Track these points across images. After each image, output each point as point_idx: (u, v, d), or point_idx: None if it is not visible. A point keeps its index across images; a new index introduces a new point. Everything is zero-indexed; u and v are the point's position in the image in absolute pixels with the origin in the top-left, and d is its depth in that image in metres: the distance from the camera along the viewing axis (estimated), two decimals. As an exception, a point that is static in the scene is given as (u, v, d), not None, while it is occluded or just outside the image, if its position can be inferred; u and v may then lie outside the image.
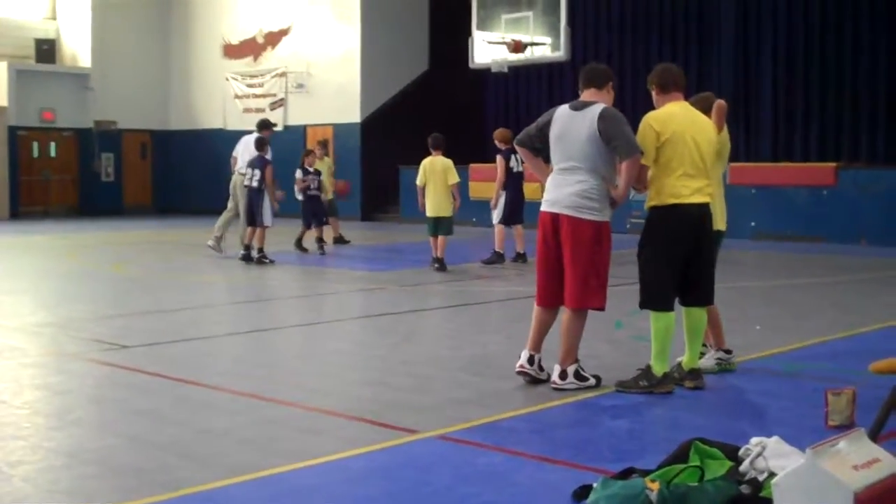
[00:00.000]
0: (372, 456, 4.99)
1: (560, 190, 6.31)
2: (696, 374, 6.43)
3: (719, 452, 4.30)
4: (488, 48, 18.61)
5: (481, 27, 18.88)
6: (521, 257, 13.84)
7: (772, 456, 4.08)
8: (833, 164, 18.08)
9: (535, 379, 6.49)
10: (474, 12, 18.99)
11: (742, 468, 4.11)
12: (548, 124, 6.44)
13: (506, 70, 18.82)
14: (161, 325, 9.23)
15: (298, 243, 16.71)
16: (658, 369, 6.30)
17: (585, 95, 6.45)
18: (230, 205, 15.44)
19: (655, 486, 3.89)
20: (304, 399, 6.21)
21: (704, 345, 6.88)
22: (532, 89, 23.35)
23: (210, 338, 8.70)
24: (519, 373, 6.49)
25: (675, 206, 6.25)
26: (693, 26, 20.83)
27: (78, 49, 27.62)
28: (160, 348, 8.05)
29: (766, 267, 14.41)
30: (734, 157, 19.39)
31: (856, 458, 3.64)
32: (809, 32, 19.23)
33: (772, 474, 3.92)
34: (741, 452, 4.22)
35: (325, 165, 17.64)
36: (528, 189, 14.21)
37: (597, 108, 6.25)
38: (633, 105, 19.18)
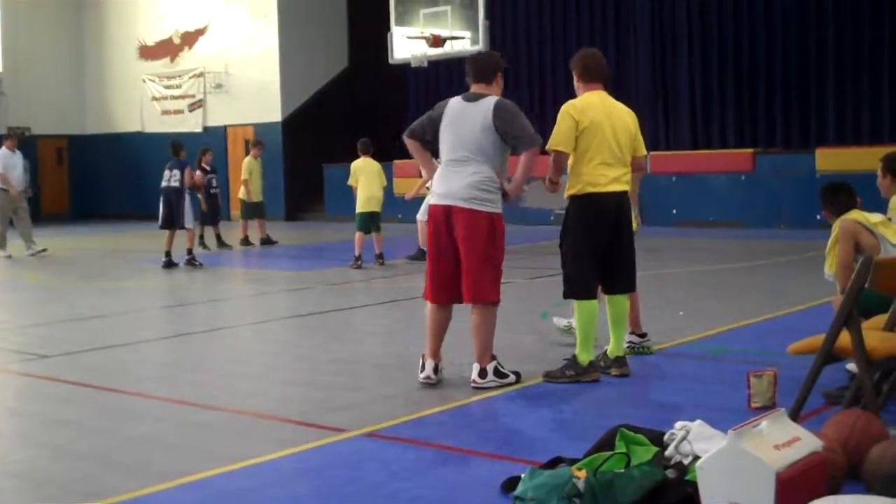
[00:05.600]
0: (302, 456, 4.96)
1: (452, 182, 6.19)
2: (621, 361, 6.50)
3: (644, 438, 4.34)
4: (407, 43, 18.59)
5: (399, 22, 18.85)
6: None
7: (696, 439, 4.14)
8: (750, 150, 18.43)
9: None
10: (392, 7, 18.96)
11: (667, 453, 4.16)
12: (440, 116, 6.33)
13: (425, 65, 18.83)
14: (81, 334, 9.06)
15: (220, 241, 16.83)
16: (584, 358, 6.35)
17: (476, 89, 6.37)
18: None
19: (582, 473, 3.92)
20: (231, 402, 6.14)
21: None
22: (453, 83, 23.31)
23: (132, 344, 8.55)
24: (424, 384, 6.30)
25: (592, 194, 6.30)
26: (610, 17, 21.04)
27: (-12, 53, 26.98)
28: (81, 356, 7.90)
29: (688, 253, 14.62)
30: (653, 145, 19.74)
31: (777, 438, 3.71)
32: (723, 21, 19.55)
33: (696, 458, 3.97)
34: (666, 437, 4.27)
35: (256, 165, 17.56)
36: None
37: (491, 100, 6.20)
38: (553, 96, 19.34)
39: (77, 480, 4.66)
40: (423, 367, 6.32)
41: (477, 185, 6.14)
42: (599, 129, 6.27)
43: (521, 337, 7.78)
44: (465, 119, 6.22)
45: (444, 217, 6.25)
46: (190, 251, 14.23)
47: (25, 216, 16.80)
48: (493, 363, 6.25)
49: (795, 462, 3.63)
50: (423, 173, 6.51)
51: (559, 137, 6.27)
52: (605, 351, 6.55)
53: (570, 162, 6.32)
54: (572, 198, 6.38)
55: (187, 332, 9.11)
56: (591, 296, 6.38)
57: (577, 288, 6.39)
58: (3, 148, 16.99)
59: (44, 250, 16.59)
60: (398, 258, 13.98)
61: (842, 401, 5.04)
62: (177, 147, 14.61)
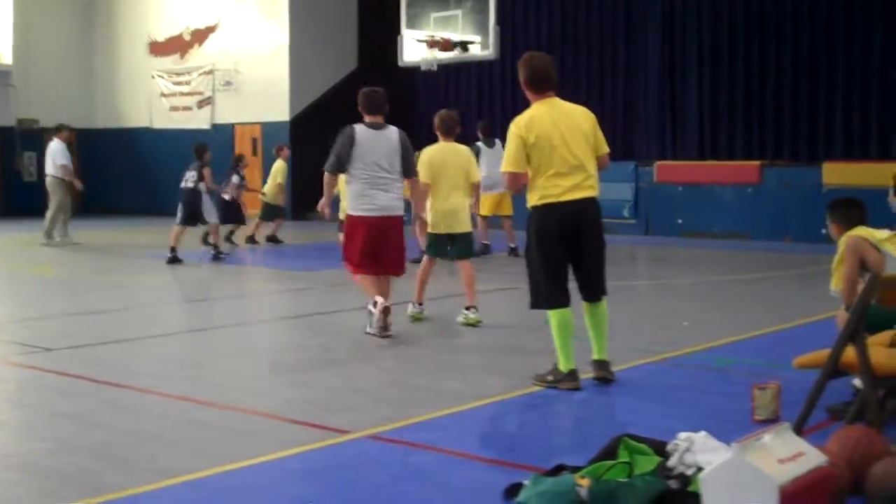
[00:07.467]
0: (305, 456, 4.96)
1: (386, 195, 7.97)
2: (602, 365, 6.44)
3: (648, 448, 4.34)
4: (417, 46, 18.60)
5: (410, 25, 18.84)
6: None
7: (699, 451, 4.13)
8: (757, 162, 18.40)
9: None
10: (403, 10, 18.95)
11: (670, 463, 4.15)
12: (352, 140, 7.86)
13: (435, 68, 18.82)
14: (87, 328, 9.07)
15: (228, 238, 16.90)
16: (562, 366, 6.32)
17: (372, 119, 8.07)
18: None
19: (585, 482, 3.92)
20: (234, 400, 6.15)
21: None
22: (462, 87, 23.37)
23: (137, 339, 8.57)
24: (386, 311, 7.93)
25: (546, 205, 6.27)
26: (620, 24, 21.02)
27: (-2, 45, 27.00)
28: (86, 350, 7.92)
29: (694, 263, 14.61)
30: (660, 154, 19.77)
31: (781, 452, 3.70)
32: (734, 32, 19.53)
33: (699, 469, 3.96)
34: (669, 447, 4.26)
35: (281, 169, 17.69)
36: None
37: (394, 129, 8.06)
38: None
39: (79, 474, 4.67)
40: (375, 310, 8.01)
41: (401, 197, 8.12)
42: (549, 142, 6.22)
43: (525, 343, 7.79)
44: (381, 144, 7.89)
45: (379, 224, 7.97)
46: (216, 246, 14.62)
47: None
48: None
49: (799, 476, 3.63)
50: (327, 193, 8.32)
51: (510, 159, 6.28)
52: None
53: (529, 175, 6.31)
54: (532, 209, 6.39)
55: (192, 329, 9.13)
56: (557, 304, 6.31)
57: (541, 297, 6.38)
58: (56, 140, 17.09)
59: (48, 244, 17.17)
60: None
61: (845, 416, 5.04)
62: (198, 150, 14.86)
